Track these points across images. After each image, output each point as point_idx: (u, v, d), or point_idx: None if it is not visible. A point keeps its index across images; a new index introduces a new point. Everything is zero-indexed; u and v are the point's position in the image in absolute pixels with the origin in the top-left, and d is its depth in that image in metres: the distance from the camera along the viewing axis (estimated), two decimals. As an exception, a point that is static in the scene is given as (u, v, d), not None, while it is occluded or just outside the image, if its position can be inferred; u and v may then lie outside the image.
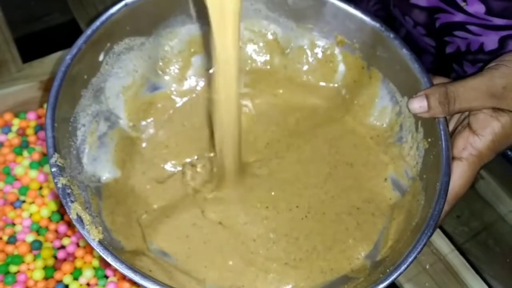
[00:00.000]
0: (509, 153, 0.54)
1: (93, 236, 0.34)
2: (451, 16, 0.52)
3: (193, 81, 0.50)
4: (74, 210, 0.35)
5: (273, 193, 0.46)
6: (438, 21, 0.54)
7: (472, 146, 0.39)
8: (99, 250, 0.34)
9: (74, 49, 0.40)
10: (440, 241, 0.53)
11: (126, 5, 0.42)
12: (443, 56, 0.59)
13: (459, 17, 0.51)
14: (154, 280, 0.33)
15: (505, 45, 0.52)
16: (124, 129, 0.47)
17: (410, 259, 0.35)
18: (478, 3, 0.49)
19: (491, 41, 0.52)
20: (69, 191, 0.36)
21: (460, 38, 0.54)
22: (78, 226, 0.34)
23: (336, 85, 0.50)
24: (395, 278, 0.35)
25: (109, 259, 0.33)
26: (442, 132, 0.40)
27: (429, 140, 0.41)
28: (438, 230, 0.53)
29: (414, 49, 0.44)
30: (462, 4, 0.50)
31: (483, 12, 0.49)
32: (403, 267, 0.35)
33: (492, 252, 0.55)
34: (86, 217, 0.35)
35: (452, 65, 0.59)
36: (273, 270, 0.42)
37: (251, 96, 0.51)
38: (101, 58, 0.43)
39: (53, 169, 0.36)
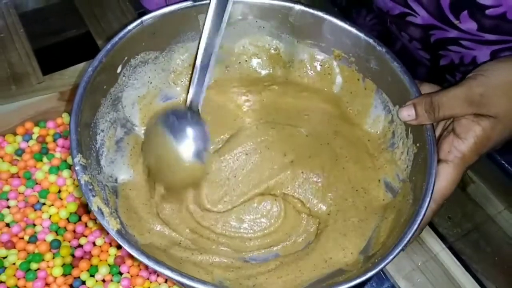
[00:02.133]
0: (498, 157, 0.55)
1: (112, 226, 0.37)
2: (445, 33, 0.53)
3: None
4: (95, 203, 0.37)
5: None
6: (433, 37, 0.55)
7: (457, 149, 0.41)
8: (117, 238, 0.36)
9: (95, 62, 0.42)
10: (432, 240, 0.54)
11: (142, 22, 0.44)
12: (437, 68, 0.61)
13: (453, 33, 0.53)
14: (166, 265, 0.35)
15: (497, 57, 0.53)
16: (139, 135, 0.49)
17: (397, 251, 0.37)
18: (470, 21, 0.50)
19: (483, 54, 0.54)
20: (90, 187, 0.38)
21: (454, 52, 0.56)
22: (99, 217, 0.37)
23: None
24: (383, 267, 0.37)
25: (126, 246, 0.36)
26: (429, 138, 0.42)
27: (418, 145, 0.43)
28: (430, 230, 0.55)
29: (409, 61, 0.45)
30: (456, 22, 0.51)
31: (475, 29, 0.51)
32: (390, 258, 0.37)
33: (482, 250, 0.55)
34: (106, 210, 0.37)
35: (445, 76, 0.61)
36: (276, 265, 0.45)
37: (252, 92, 0.53)
38: (119, 70, 0.46)
39: (77, 168, 0.38)
